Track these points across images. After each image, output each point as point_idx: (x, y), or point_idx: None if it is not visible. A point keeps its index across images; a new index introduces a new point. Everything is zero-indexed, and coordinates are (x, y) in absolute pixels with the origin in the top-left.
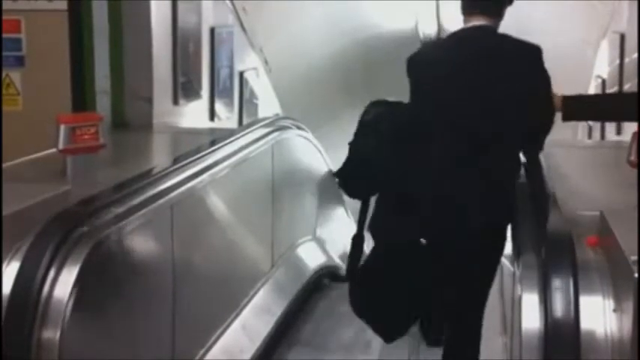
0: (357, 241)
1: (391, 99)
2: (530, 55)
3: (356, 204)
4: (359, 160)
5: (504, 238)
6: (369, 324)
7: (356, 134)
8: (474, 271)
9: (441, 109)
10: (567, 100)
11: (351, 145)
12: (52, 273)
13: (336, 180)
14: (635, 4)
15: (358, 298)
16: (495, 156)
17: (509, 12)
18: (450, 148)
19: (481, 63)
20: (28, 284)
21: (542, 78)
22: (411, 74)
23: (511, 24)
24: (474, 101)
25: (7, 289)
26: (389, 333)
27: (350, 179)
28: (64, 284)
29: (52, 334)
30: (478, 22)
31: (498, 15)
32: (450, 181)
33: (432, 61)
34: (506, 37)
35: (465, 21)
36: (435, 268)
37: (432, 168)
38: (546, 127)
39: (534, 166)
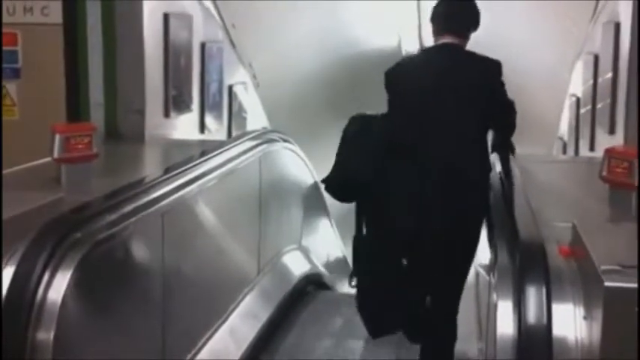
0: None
1: (370, 112)
2: (491, 68)
3: (340, 215)
4: (345, 168)
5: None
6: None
7: (340, 145)
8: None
9: (419, 113)
10: None
11: (337, 155)
12: (46, 277)
13: (323, 186)
14: (609, 26)
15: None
16: (466, 150)
17: (491, 35)
18: (429, 145)
19: (451, 74)
20: (23, 287)
21: (500, 87)
22: (390, 85)
23: (492, 46)
24: (446, 107)
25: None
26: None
27: (337, 185)
28: (57, 287)
29: (45, 335)
30: (448, 40)
31: (465, 36)
32: (432, 177)
33: (410, 74)
34: (472, 54)
35: (436, 39)
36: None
37: (416, 165)
38: (509, 126)
39: (505, 163)
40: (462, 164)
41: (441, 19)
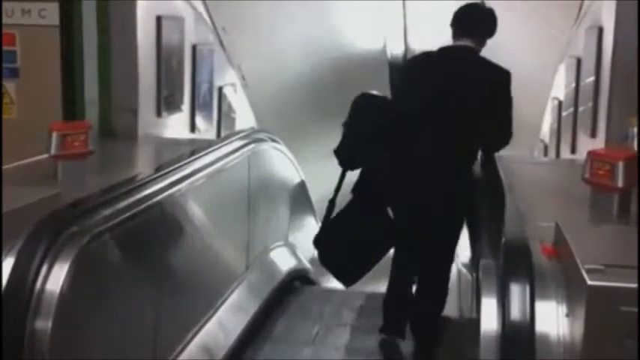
0: (330, 205)
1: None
2: (500, 77)
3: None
4: (354, 138)
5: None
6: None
7: (350, 117)
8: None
9: (423, 102)
10: None
11: (346, 125)
12: (44, 269)
13: (336, 156)
14: (592, 31)
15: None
16: (456, 143)
17: None
18: (428, 127)
19: (461, 73)
20: (21, 279)
21: (506, 98)
22: (406, 72)
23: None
24: (450, 102)
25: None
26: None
27: (347, 153)
28: (55, 280)
29: (43, 325)
30: (464, 42)
31: (480, 41)
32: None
33: (425, 66)
34: (484, 59)
35: (454, 40)
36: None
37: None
38: (504, 139)
39: (490, 163)
40: (450, 155)
41: (461, 23)
